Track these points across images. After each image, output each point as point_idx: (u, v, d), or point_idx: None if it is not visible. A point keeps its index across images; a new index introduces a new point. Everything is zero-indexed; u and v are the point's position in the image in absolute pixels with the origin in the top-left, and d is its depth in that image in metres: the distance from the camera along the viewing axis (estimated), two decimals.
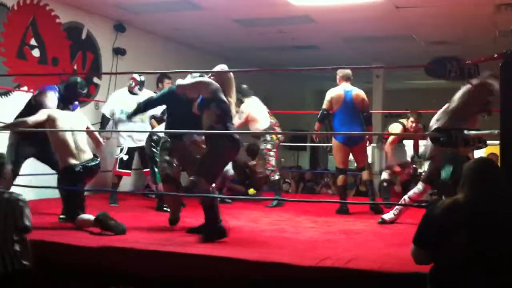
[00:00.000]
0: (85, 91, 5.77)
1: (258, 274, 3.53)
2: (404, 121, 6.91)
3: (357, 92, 6.46)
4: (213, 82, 4.62)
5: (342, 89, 6.45)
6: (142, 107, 5.49)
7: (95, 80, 8.26)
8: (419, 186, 5.37)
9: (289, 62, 11.44)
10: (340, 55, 10.60)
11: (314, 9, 7.76)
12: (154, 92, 6.89)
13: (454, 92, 5.05)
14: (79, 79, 5.70)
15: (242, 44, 10.05)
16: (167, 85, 6.90)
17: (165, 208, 5.92)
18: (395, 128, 6.92)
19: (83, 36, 8.01)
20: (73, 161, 4.85)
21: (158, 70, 7.29)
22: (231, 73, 4.82)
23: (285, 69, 7.04)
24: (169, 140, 5.07)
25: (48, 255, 3.95)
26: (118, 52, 8.50)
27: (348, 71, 6.53)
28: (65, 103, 5.53)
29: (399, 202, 5.57)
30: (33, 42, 7.14)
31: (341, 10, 7.69)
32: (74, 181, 4.82)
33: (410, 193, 5.42)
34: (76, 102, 5.79)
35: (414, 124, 6.81)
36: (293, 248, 4.02)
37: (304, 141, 13.56)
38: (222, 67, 4.89)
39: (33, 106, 5.44)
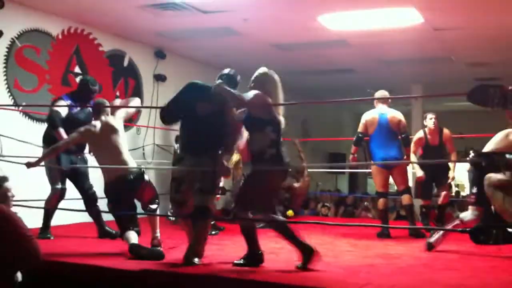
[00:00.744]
0: (96, 87, 5.79)
1: None
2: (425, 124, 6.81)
3: (393, 114, 6.39)
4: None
5: (377, 111, 6.41)
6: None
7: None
8: (474, 212, 5.17)
9: (326, 86, 11.47)
10: (378, 78, 10.60)
11: (350, 34, 7.82)
12: None
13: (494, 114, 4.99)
14: (88, 77, 5.97)
15: (279, 68, 9.97)
16: None
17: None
18: (417, 135, 6.83)
19: (125, 63, 8.22)
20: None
21: None
22: (277, 80, 4.36)
23: (335, 100, 6.94)
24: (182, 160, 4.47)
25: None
26: (159, 78, 8.68)
27: (384, 93, 6.47)
28: (81, 103, 5.65)
29: (450, 225, 5.40)
30: (77, 69, 7.37)
31: (378, 34, 7.71)
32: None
33: (466, 218, 5.21)
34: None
35: (434, 121, 6.69)
36: (334, 273, 4.00)
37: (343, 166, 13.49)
38: (265, 70, 4.42)
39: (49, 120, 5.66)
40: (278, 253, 4.82)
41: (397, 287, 3.48)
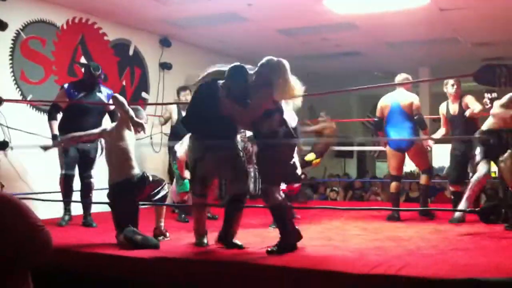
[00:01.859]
0: (98, 72, 5.78)
1: (308, 283, 3.54)
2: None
3: (406, 96, 6.30)
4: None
5: (391, 95, 6.38)
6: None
7: (143, 94, 8.45)
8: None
9: (334, 69, 11.42)
10: (385, 61, 10.55)
11: (357, 16, 7.77)
12: None
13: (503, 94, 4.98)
14: (91, 63, 6.03)
15: (286, 54, 9.94)
16: (183, 97, 6.88)
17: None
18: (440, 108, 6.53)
19: (131, 52, 8.22)
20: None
21: None
22: (280, 68, 4.29)
23: (355, 89, 6.88)
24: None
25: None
26: (165, 66, 8.68)
27: (400, 77, 6.39)
28: (87, 90, 5.71)
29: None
30: (82, 59, 7.37)
31: (385, 16, 7.67)
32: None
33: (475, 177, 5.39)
34: (108, 91, 5.91)
35: (455, 87, 6.21)
36: (342, 256, 4.01)
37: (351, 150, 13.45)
38: (264, 62, 4.36)
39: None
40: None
41: (407, 268, 3.47)
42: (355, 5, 7.25)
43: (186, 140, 5.32)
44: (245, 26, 8.17)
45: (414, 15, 7.58)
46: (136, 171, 4.73)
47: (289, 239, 4.21)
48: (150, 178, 4.76)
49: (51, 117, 5.70)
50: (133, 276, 4.02)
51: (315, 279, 3.53)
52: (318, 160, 6.97)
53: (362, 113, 13.90)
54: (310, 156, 7.04)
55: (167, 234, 4.86)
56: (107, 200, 4.81)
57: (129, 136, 4.79)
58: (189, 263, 4.00)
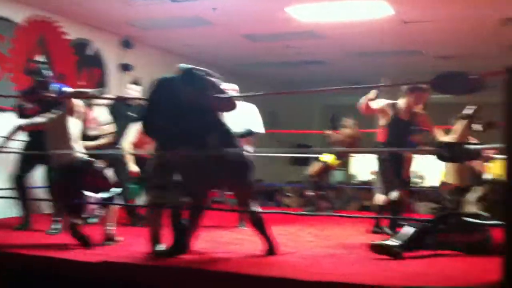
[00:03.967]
0: (48, 72, 5.66)
1: None
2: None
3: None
4: None
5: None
6: None
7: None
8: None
9: (297, 78, 11.45)
10: (348, 70, 10.61)
11: (320, 25, 7.79)
12: None
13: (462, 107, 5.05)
14: (40, 63, 5.81)
15: (250, 60, 10.09)
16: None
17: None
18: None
19: (91, 52, 8.07)
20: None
21: None
22: None
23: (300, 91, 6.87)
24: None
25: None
26: (125, 68, 8.55)
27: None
28: (42, 88, 5.49)
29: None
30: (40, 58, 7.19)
31: (348, 26, 7.70)
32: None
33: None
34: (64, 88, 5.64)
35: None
36: (296, 263, 3.98)
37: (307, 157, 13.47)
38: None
39: None
40: (241, 244, 4.78)
41: (356, 275, 3.47)
42: (318, 14, 7.25)
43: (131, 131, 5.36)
44: (209, 30, 8.12)
45: (378, 26, 7.63)
46: (80, 155, 4.66)
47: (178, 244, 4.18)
48: (96, 166, 4.66)
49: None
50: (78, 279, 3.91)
51: (267, 285, 3.49)
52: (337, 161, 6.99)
53: (324, 123, 13.98)
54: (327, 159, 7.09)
55: (118, 238, 4.74)
56: None
57: (74, 124, 4.79)
58: (129, 269, 3.89)
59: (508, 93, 3.01)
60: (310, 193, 8.16)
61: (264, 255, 4.22)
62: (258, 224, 4.31)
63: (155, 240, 4.27)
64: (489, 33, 7.86)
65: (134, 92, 6.31)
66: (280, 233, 5.67)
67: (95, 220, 5.44)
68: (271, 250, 4.27)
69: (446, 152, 3.95)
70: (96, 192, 4.64)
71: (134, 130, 5.61)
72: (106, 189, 4.69)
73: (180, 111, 4.05)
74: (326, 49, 9.30)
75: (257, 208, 4.36)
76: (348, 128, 8.16)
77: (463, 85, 3.43)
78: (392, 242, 4.28)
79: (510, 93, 3.01)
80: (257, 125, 5.84)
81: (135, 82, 6.63)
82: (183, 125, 4.05)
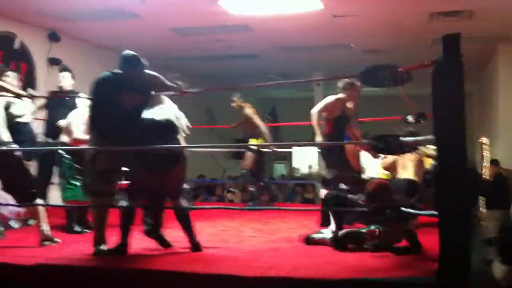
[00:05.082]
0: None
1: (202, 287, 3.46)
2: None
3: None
4: None
5: None
6: None
7: (30, 91, 7.99)
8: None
9: (228, 71, 11.42)
10: (280, 64, 10.68)
11: (252, 18, 7.79)
12: None
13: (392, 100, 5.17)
14: None
15: (178, 54, 9.96)
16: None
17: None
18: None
19: (16, 46, 7.76)
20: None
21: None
22: None
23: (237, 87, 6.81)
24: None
25: None
26: (53, 62, 8.27)
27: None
28: None
29: None
30: None
31: (279, 19, 7.75)
32: None
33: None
34: None
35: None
36: (237, 258, 3.97)
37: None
38: None
39: None
40: (182, 241, 4.73)
41: (299, 269, 3.50)
42: (250, 7, 7.26)
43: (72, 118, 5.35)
44: (137, 23, 7.97)
45: (308, 20, 7.72)
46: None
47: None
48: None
49: None
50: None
51: (208, 283, 3.46)
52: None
53: (260, 116, 14.04)
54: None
55: (55, 239, 4.60)
56: None
57: None
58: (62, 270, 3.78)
59: (435, 85, 3.12)
60: (252, 188, 8.12)
61: (191, 252, 4.22)
62: (184, 219, 4.32)
63: (99, 240, 4.16)
64: (416, 28, 8.11)
65: (67, 79, 6.16)
66: (222, 228, 5.68)
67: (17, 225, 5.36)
68: (195, 247, 4.26)
69: (381, 144, 4.03)
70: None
71: (79, 123, 5.38)
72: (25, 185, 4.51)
73: (119, 106, 4.15)
74: (258, 43, 9.32)
75: (185, 204, 4.39)
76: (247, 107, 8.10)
77: (391, 78, 3.53)
78: (323, 234, 4.39)
79: (437, 86, 3.11)
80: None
81: (65, 69, 6.43)
82: (121, 120, 4.12)
